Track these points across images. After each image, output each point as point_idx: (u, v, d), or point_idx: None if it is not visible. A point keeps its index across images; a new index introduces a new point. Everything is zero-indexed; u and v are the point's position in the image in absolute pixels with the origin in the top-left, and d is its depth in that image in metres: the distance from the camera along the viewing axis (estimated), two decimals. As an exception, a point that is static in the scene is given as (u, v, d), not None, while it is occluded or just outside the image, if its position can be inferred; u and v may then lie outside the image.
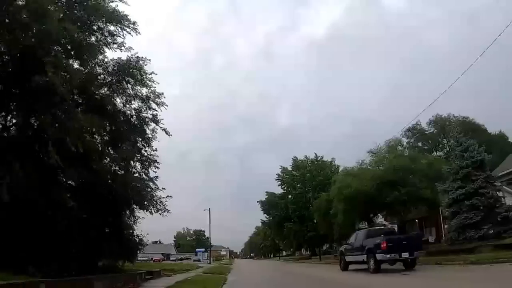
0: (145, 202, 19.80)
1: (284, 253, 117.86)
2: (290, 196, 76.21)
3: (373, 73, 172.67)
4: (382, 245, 21.00)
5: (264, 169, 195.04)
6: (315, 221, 70.66)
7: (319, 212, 49.72)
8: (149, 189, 20.27)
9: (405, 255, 20.93)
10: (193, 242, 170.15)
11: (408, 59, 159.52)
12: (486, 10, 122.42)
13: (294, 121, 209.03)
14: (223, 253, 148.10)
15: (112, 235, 19.05)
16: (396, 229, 43.67)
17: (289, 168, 77.34)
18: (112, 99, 19.64)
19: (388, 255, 20.85)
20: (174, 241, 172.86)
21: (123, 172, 18.68)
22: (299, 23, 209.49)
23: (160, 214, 20.76)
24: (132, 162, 19.86)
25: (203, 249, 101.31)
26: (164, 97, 21.06)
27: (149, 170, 20.80)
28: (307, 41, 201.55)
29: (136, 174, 19.90)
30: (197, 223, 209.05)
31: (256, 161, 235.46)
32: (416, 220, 49.27)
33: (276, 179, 77.29)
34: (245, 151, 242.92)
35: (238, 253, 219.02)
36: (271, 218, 79.62)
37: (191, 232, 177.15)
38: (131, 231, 21.27)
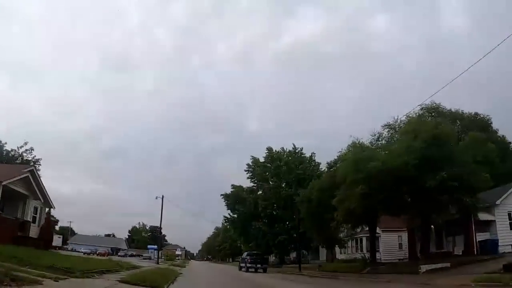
0: None
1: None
2: (260, 192, 61.44)
3: (343, 88, 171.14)
4: (248, 260, 41.38)
5: (227, 172, 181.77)
6: (288, 223, 57.36)
7: (307, 204, 34.66)
8: None
9: (259, 266, 40.52)
10: (148, 238, 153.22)
11: (379, 79, 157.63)
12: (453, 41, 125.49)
13: (262, 127, 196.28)
14: (178, 252, 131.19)
15: None
16: (406, 235, 38.61)
17: (262, 160, 62.68)
18: None
19: (250, 265, 40.48)
20: (128, 235, 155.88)
21: None
22: (279, 32, 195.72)
23: None
24: None
25: (155, 246, 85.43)
26: None
27: None
28: (285, 50, 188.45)
29: None
30: (155, 220, 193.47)
31: (220, 163, 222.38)
32: (432, 226, 35.00)
33: (246, 170, 62.56)
34: (209, 152, 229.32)
35: (195, 255, 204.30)
36: (235, 215, 64.27)
37: (147, 228, 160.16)
38: None
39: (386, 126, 30.22)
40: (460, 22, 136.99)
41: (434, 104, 27.85)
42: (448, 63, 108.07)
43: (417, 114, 28.38)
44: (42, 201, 32.26)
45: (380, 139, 30.04)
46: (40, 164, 49.82)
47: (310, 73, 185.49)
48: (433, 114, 27.99)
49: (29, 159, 48.38)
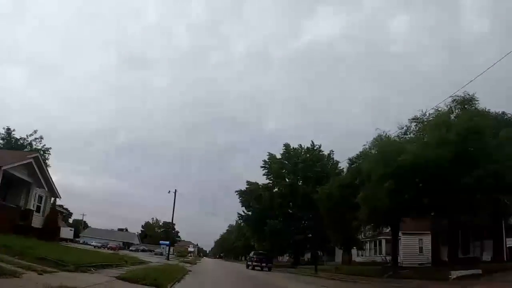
0: None
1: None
2: (276, 189, 59.41)
3: (362, 88, 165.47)
4: (255, 259, 45.12)
5: (242, 170, 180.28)
6: (304, 222, 55.40)
7: (327, 202, 32.52)
8: None
9: (263, 265, 43.17)
10: (162, 234, 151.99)
11: (398, 80, 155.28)
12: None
13: (278, 126, 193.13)
14: (191, 249, 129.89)
15: None
16: (428, 238, 40.41)
17: (278, 157, 60.58)
18: None
19: (256, 263, 43.75)
20: (141, 230, 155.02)
21: None
22: (298, 31, 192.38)
23: None
24: None
25: (168, 242, 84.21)
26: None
27: None
28: (303, 50, 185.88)
29: None
30: (169, 216, 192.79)
31: (235, 163, 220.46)
32: (459, 231, 32.68)
33: (262, 167, 60.43)
34: (225, 152, 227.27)
35: (207, 252, 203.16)
36: (250, 212, 62.33)
37: (161, 223, 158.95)
38: None
39: (414, 120, 27.91)
40: (482, 23, 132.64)
41: (468, 96, 25.37)
42: (469, 65, 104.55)
43: (448, 106, 25.96)
44: (47, 189, 30.84)
45: (408, 133, 27.81)
46: (49, 154, 48.59)
47: (328, 73, 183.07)
48: (465, 106, 25.55)
49: (39, 148, 47.19)
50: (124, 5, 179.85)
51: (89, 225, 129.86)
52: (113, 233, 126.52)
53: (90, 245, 71.53)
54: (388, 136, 26.86)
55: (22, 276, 10.47)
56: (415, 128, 28.09)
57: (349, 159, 34.57)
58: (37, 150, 42.17)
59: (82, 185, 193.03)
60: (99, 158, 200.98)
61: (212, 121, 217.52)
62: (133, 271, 17.50)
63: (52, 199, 33.64)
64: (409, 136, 27.44)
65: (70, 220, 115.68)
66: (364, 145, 29.86)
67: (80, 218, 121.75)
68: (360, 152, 31.98)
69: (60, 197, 34.38)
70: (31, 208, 28.94)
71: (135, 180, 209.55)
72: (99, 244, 78.59)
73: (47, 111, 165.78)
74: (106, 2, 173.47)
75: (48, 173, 31.23)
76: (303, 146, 60.60)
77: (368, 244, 49.14)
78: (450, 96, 25.53)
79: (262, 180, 61.15)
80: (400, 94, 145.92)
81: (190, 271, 27.12)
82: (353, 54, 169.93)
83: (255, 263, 43.79)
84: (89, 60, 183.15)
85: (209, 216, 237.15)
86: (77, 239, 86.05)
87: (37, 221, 29.74)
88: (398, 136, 27.61)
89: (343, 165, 49.22)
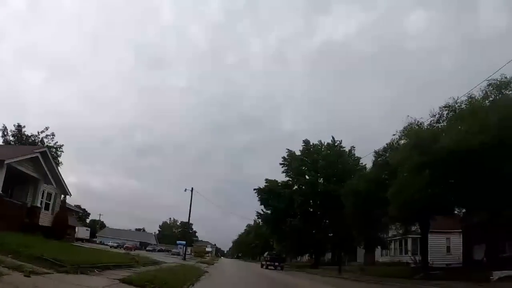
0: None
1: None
2: (296, 187, 57.50)
3: (378, 87, 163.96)
4: (268, 259, 49.74)
5: (260, 171, 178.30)
6: (325, 221, 53.54)
7: (353, 198, 30.43)
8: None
9: (276, 264, 47.38)
10: (179, 234, 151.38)
11: (414, 78, 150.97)
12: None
13: (295, 126, 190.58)
14: (208, 249, 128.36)
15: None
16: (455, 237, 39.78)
17: (298, 153, 58.64)
18: None
19: (269, 263, 48.14)
20: (159, 230, 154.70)
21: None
22: (313, 30, 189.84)
23: None
24: None
25: (185, 242, 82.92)
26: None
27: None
28: (319, 48, 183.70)
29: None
30: (186, 216, 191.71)
31: (252, 163, 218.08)
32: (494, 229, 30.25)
33: (281, 164, 58.46)
34: (241, 150, 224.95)
35: (225, 252, 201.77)
36: (269, 211, 60.44)
37: (178, 223, 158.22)
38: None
39: (446, 108, 25.84)
40: (500, 20, 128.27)
41: (504, 79, 23.12)
42: (487, 64, 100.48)
43: (484, 91, 23.83)
44: (55, 186, 29.49)
45: (440, 121, 25.69)
46: (62, 151, 47.70)
47: (344, 71, 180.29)
48: (502, 91, 23.34)
49: (51, 145, 46.16)
50: (141, 6, 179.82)
51: (106, 225, 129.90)
52: (130, 233, 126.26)
53: (106, 245, 70.72)
54: (420, 123, 24.93)
55: (2, 278, 8.93)
56: (447, 116, 26.08)
57: (375, 152, 32.45)
58: (48, 147, 41.04)
59: (100, 185, 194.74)
60: (117, 159, 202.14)
61: (229, 120, 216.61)
62: (143, 273, 15.89)
63: (62, 196, 32.31)
64: (442, 124, 25.40)
65: (88, 220, 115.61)
66: (394, 134, 27.93)
67: (98, 218, 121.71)
68: (387, 144, 30.07)
69: (70, 194, 33.13)
70: (38, 205, 27.58)
71: (152, 180, 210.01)
72: (115, 244, 77.63)
73: (65, 112, 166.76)
74: (123, 3, 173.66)
75: (57, 169, 29.96)
76: (323, 142, 58.55)
77: (393, 244, 46.95)
78: (486, 80, 23.34)
79: (281, 178, 59.55)
80: (421, 92, 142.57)
81: (206, 272, 25.39)
82: (370, 52, 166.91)
83: (269, 263, 48.28)
84: (107, 60, 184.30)
85: (227, 216, 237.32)
86: (94, 239, 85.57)
87: (45, 219, 28.44)
88: (430, 124, 25.64)
89: (364, 161, 47.78)
